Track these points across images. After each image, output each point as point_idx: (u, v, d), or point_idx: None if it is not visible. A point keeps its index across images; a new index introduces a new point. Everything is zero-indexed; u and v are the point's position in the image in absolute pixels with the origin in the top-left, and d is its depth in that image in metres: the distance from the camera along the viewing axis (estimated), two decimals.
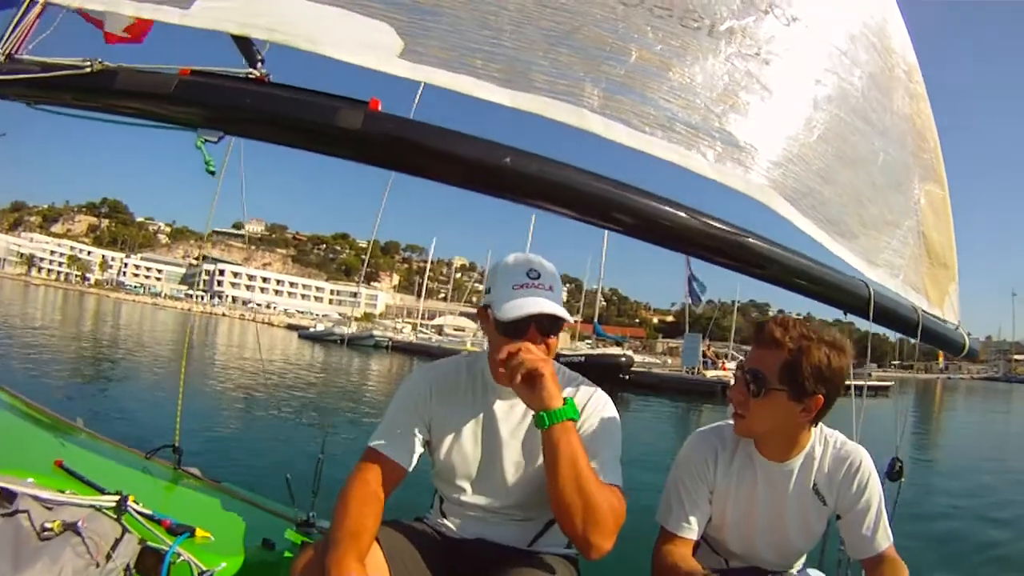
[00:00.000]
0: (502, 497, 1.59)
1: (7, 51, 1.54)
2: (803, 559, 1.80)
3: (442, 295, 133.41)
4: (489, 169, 1.28)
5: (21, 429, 2.63)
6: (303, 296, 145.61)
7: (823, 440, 1.65)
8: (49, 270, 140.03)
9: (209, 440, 6.86)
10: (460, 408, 1.60)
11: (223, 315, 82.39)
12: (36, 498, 1.53)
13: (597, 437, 1.51)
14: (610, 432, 1.54)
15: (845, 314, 1.81)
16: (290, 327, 70.14)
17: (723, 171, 1.36)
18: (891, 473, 1.87)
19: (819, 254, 1.67)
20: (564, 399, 1.37)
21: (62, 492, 1.63)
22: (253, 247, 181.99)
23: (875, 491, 1.60)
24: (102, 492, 1.71)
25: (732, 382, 1.62)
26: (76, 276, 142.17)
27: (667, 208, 1.38)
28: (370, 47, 1.32)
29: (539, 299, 1.43)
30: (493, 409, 1.59)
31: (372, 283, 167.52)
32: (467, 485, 1.61)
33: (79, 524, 1.49)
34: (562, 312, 1.45)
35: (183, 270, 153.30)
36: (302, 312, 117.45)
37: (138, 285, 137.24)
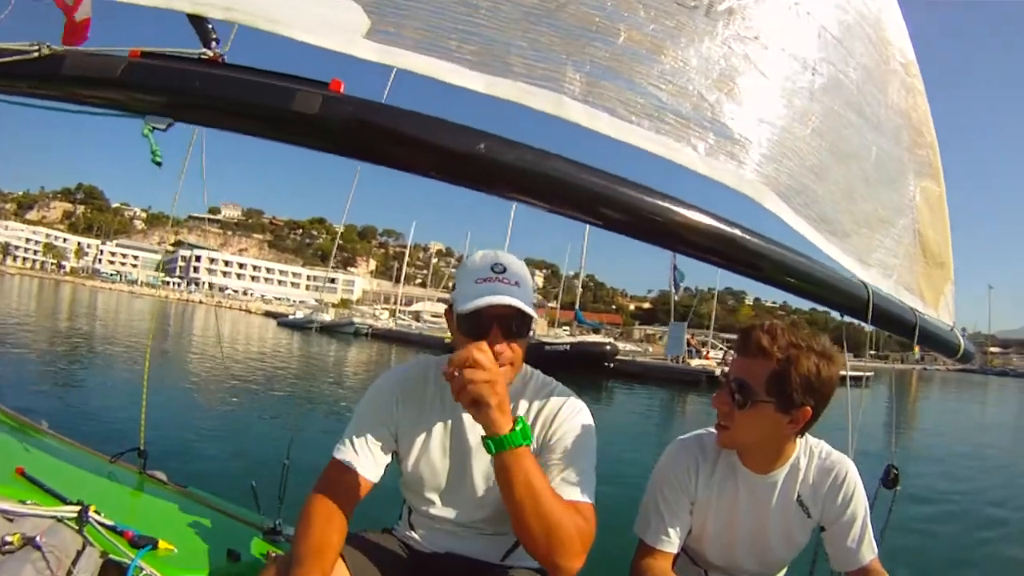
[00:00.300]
0: (472, 510, 1.52)
1: None
2: (784, 570, 1.75)
3: (419, 280, 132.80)
4: (461, 157, 1.16)
5: None
6: (279, 282, 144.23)
7: (808, 451, 1.61)
8: (24, 258, 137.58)
9: (178, 440, 6.66)
10: (428, 416, 1.52)
11: (200, 302, 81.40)
12: None
13: (569, 449, 1.43)
14: (584, 443, 1.45)
15: (842, 316, 1.74)
16: (268, 314, 69.47)
17: (714, 166, 1.25)
18: (886, 481, 1.82)
19: (813, 253, 1.59)
20: (515, 419, 1.26)
21: (23, 503, 1.60)
22: (229, 232, 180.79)
23: (860, 503, 1.56)
24: (64, 502, 1.67)
25: (717, 373, 1.54)
26: (52, 264, 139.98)
27: (659, 203, 1.26)
28: (334, 27, 1.21)
29: (502, 295, 1.33)
30: (462, 418, 1.50)
31: (349, 268, 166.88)
32: (436, 497, 1.54)
33: (37, 539, 1.44)
34: (527, 308, 1.36)
35: (159, 256, 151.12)
36: (279, 298, 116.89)
37: (114, 273, 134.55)
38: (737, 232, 1.36)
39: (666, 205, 1.30)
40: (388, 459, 1.50)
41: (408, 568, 1.53)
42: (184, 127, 1.55)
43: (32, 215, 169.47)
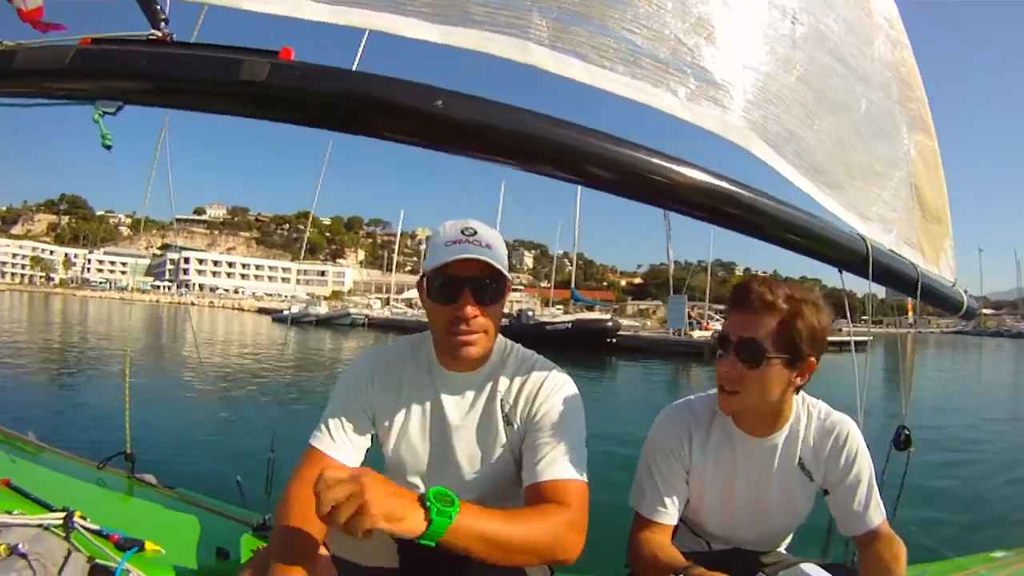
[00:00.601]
0: (457, 493, 1.44)
1: None
2: (789, 538, 1.70)
3: (408, 268, 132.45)
4: (417, 116, 1.09)
5: None
6: (270, 278, 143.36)
7: (806, 411, 1.52)
8: (13, 274, 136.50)
9: (172, 442, 6.50)
10: (407, 398, 1.45)
11: (192, 304, 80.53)
12: None
13: (556, 425, 1.36)
14: (571, 417, 1.39)
15: (841, 272, 1.67)
16: (261, 311, 68.28)
17: (696, 111, 1.17)
18: (898, 443, 1.75)
19: (809, 207, 1.51)
20: (422, 497, 1.09)
21: (10, 513, 1.59)
22: (216, 232, 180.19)
23: (864, 464, 1.47)
24: (50, 510, 1.67)
25: (719, 360, 1.42)
26: (40, 277, 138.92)
27: (650, 159, 1.19)
28: None
29: (472, 253, 1.26)
30: (440, 398, 1.44)
31: (337, 260, 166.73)
32: (418, 481, 1.47)
33: (19, 546, 1.43)
34: (500, 267, 1.29)
35: (148, 261, 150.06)
36: (270, 294, 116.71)
37: (104, 281, 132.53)
38: (730, 187, 1.28)
39: (657, 161, 1.22)
40: (367, 443, 1.44)
41: (396, 555, 1.47)
42: (151, 121, 1.50)
43: (17, 229, 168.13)
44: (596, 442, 1.39)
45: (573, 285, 49.57)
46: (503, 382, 1.44)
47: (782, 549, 1.69)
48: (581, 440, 1.37)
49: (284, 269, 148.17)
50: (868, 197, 1.72)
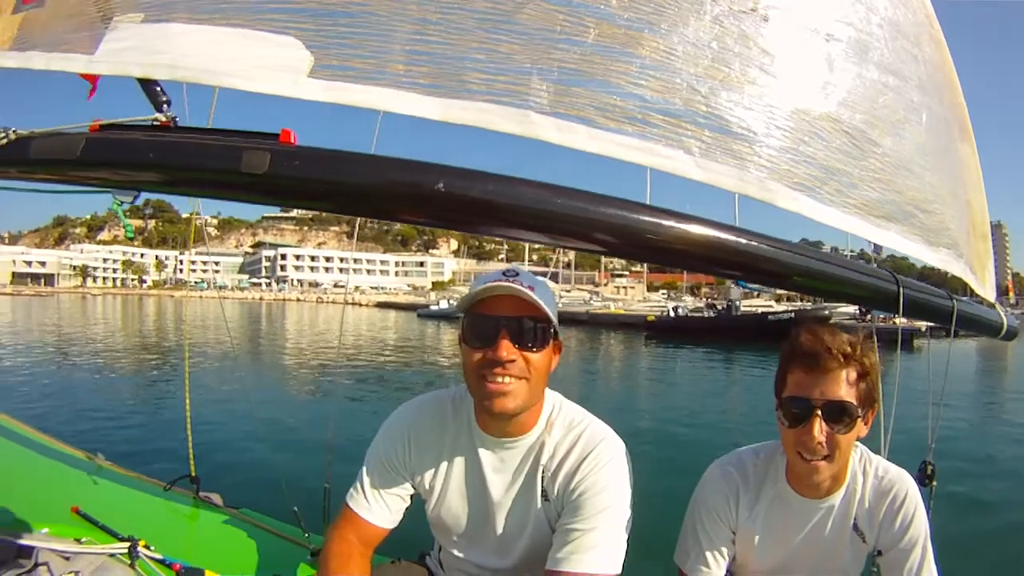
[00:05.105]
0: (497, 558, 1.43)
1: None
2: None
3: (501, 256, 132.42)
4: (420, 200, 1.05)
5: (39, 471, 2.73)
6: (368, 271, 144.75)
7: (863, 468, 1.44)
8: (104, 278, 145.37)
9: (252, 458, 6.49)
10: (445, 461, 1.41)
11: (298, 300, 79.72)
12: (53, 551, 1.60)
13: (591, 509, 1.27)
14: (610, 500, 1.28)
15: (869, 311, 1.61)
16: (381, 306, 65.16)
17: (711, 168, 1.06)
18: (922, 479, 1.62)
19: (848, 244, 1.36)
20: None
21: (79, 541, 1.72)
22: (305, 228, 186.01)
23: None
24: (117, 538, 1.77)
25: (806, 429, 1.29)
26: (133, 280, 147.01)
27: (648, 219, 1.09)
28: (276, 70, 1.10)
29: (510, 291, 1.22)
30: (480, 459, 1.39)
31: (430, 251, 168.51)
32: (459, 540, 1.46)
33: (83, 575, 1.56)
34: (544, 307, 1.22)
35: (240, 259, 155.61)
36: (374, 288, 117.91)
37: (200, 280, 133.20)
38: (736, 239, 1.16)
39: (657, 220, 1.11)
40: (406, 503, 1.45)
41: None
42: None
43: (104, 235, 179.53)
44: None
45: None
46: (547, 451, 1.35)
47: None
48: (620, 526, 1.28)
49: (382, 261, 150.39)
50: (940, 222, 1.54)
